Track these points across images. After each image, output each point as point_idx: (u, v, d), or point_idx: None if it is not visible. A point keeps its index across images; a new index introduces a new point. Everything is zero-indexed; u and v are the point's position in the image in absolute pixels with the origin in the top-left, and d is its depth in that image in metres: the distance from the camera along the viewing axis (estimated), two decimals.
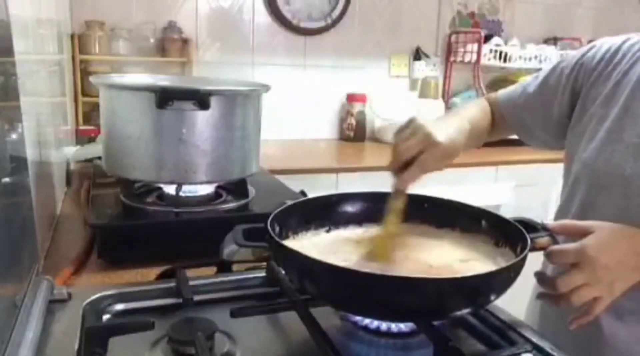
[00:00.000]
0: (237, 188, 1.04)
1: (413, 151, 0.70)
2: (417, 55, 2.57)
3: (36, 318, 0.58)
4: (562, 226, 0.69)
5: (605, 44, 0.87)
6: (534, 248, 0.63)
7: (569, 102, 0.89)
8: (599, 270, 0.62)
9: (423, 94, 2.61)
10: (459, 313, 0.59)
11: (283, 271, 0.69)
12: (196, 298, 0.67)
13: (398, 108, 2.46)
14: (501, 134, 1.01)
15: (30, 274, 0.65)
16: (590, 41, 0.97)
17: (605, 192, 0.78)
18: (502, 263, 0.63)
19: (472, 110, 0.94)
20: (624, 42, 0.85)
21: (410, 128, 0.72)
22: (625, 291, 0.65)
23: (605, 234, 0.65)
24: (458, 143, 0.75)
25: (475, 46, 2.48)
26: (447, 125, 0.76)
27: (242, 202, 1.01)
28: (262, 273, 0.76)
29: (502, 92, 1.00)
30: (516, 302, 0.70)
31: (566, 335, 0.71)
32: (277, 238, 0.60)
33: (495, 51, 2.52)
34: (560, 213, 0.89)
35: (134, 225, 0.91)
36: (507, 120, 0.97)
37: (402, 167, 0.70)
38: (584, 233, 0.65)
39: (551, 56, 2.58)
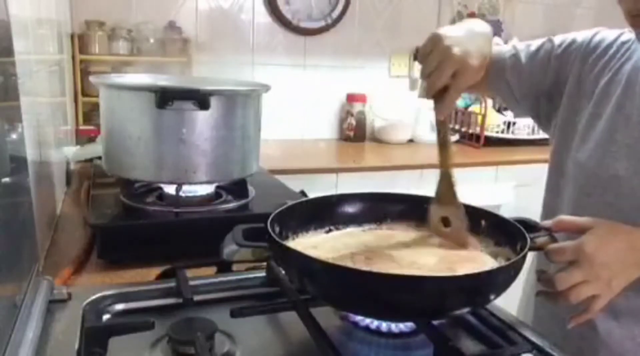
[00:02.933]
0: (237, 188, 1.04)
1: (446, 78, 0.67)
2: (417, 55, 2.57)
3: (36, 318, 0.58)
4: (559, 222, 0.68)
5: (599, 34, 0.85)
6: (533, 248, 0.63)
7: (552, 82, 0.86)
8: (598, 267, 0.62)
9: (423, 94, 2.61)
10: (459, 311, 0.59)
11: (283, 272, 0.69)
12: (196, 298, 0.67)
13: (398, 108, 2.46)
14: (478, 87, 0.93)
15: (30, 274, 0.65)
16: None
17: (597, 192, 0.78)
18: (503, 262, 0.63)
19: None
20: (617, 37, 0.83)
21: (437, 50, 0.69)
22: (624, 288, 0.65)
23: (603, 231, 0.65)
24: (487, 54, 0.72)
25: None
26: (473, 37, 0.72)
27: (242, 202, 1.01)
28: (262, 273, 0.76)
29: (494, 49, 0.92)
30: (508, 303, 0.70)
31: (560, 336, 0.71)
32: (277, 238, 0.60)
33: None
34: (548, 212, 0.88)
35: (134, 225, 0.91)
36: (489, 74, 0.87)
37: (437, 94, 0.69)
38: (581, 230, 0.65)
39: None
